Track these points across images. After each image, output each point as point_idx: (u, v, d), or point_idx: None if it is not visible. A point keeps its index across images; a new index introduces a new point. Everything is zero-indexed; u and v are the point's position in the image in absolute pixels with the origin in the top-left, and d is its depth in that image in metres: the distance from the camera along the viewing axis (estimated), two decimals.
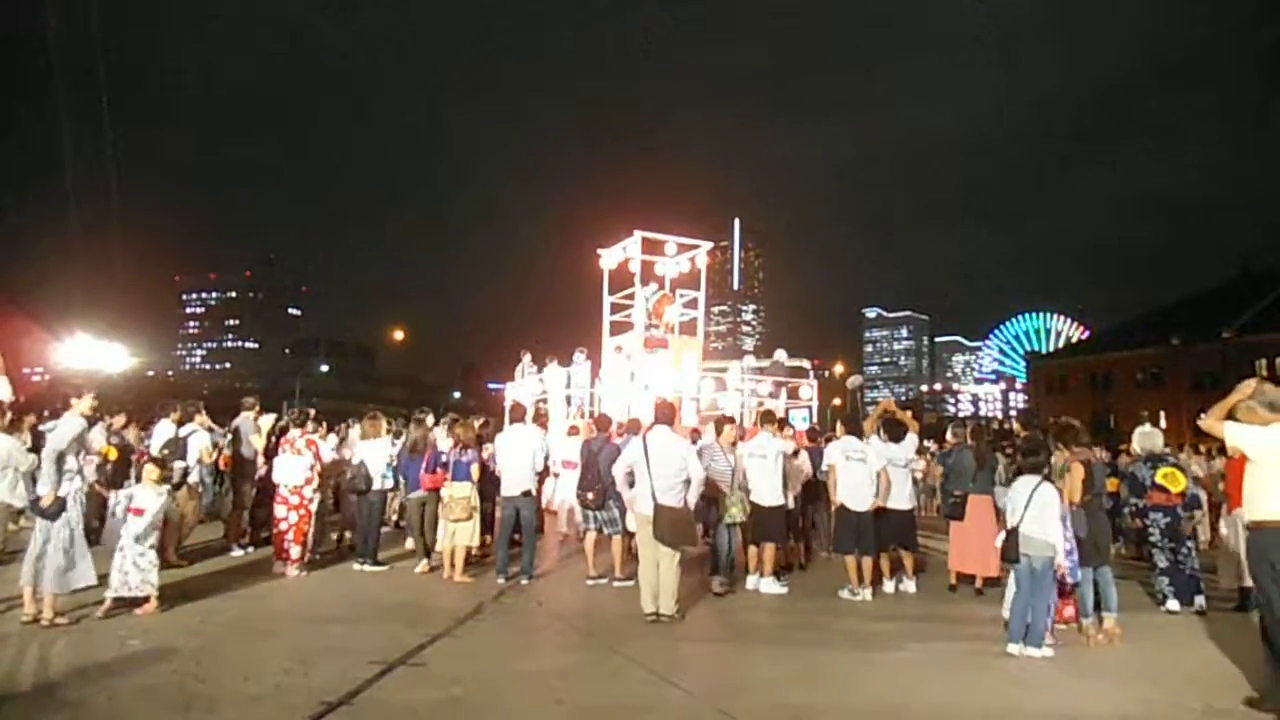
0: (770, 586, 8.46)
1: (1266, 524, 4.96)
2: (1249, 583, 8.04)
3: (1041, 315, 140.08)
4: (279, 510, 8.61)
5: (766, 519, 8.56)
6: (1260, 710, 4.96)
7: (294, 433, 9.08)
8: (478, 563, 9.19)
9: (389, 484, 9.35)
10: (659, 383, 13.65)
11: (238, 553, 9.50)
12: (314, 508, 8.80)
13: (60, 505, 6.27)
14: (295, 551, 8.51)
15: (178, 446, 9.34)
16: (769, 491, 8.56)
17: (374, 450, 9.28)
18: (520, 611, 7.57)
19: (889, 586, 8.76)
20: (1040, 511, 6.19)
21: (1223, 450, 9.48)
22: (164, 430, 9.51)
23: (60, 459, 6.31)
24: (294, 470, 8.65)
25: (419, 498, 9.08)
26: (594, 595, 8.27)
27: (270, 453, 9.67)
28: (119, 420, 10.98)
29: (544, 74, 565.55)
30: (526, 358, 17.68)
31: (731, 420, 9.09)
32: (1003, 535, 6.45)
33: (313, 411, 10.08)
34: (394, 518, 11.86)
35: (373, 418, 9.77)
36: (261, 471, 9.86)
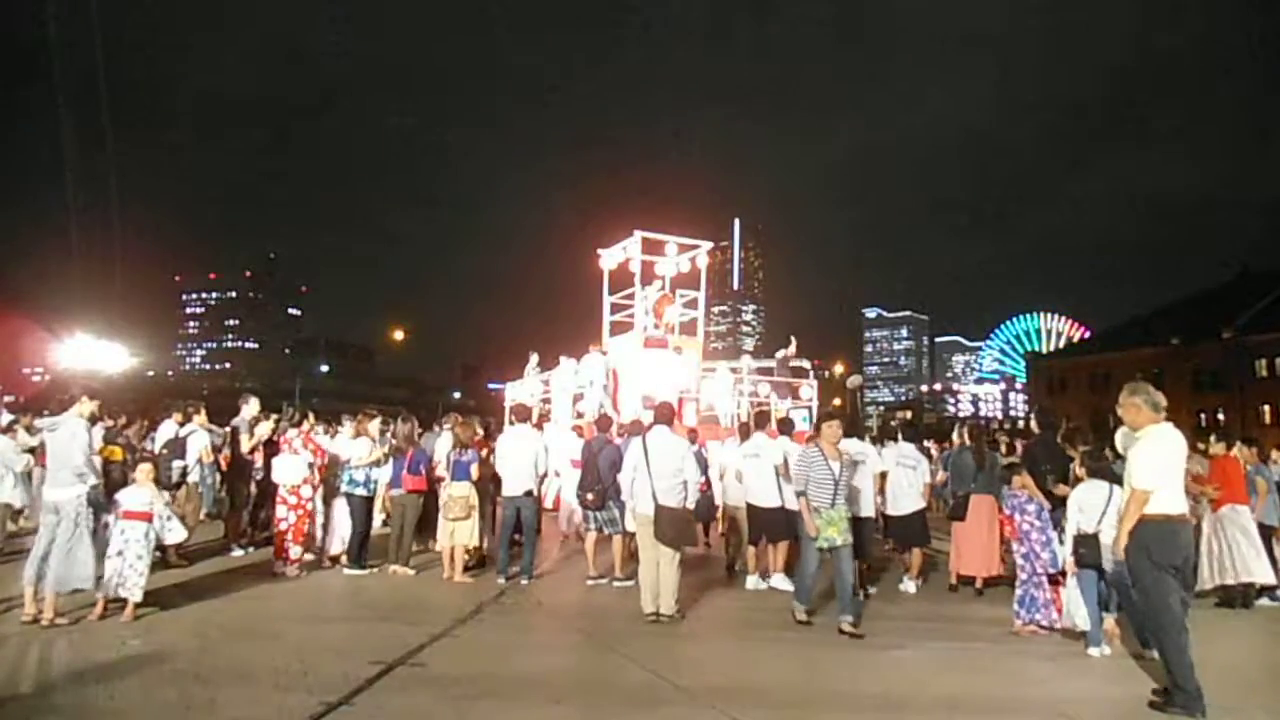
0: (781, 583, 8.44)
1: (1152, 518, 5.11)
2: (1230, 580, 8.13)
3: (1041, 315, 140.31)
4: (279, 510, 8.61)
5: (766, 520, 8.57)
6: (1164, 711, 4.97)
7: (292, 433, 9.06)
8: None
9: (342, 482, 9.13)
10: (659, 383, 13.63)
11: (238, 553, 9.48)
12: (314, 508, 8.79)
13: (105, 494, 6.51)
14: (295, 551, 8.51)
15: (176, 446, 9.35)
16: (765, 492, 8.57)
17: (355, 450, 9.14)
18: (520, 611, 7.57)
19: None
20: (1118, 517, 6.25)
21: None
22: (166, 431, 9.57)
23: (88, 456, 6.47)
24: (293, 470, 8.65)
25: (399, 498, 9.01)
26: (594, 595, 8.27)
27: (271, 453, 9.63)
28: (120, 421, 10.97)
29: (544, 75, 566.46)
30: (534, 358, 17.66)
31: (834, 417, 7.46)
32: (1070, 540, 6.41)
33: (312, 414, 10.03)
34: (383, 517, 11.81)
35: (363, 415, 9.58)
36: (260, 474, 9.83)
